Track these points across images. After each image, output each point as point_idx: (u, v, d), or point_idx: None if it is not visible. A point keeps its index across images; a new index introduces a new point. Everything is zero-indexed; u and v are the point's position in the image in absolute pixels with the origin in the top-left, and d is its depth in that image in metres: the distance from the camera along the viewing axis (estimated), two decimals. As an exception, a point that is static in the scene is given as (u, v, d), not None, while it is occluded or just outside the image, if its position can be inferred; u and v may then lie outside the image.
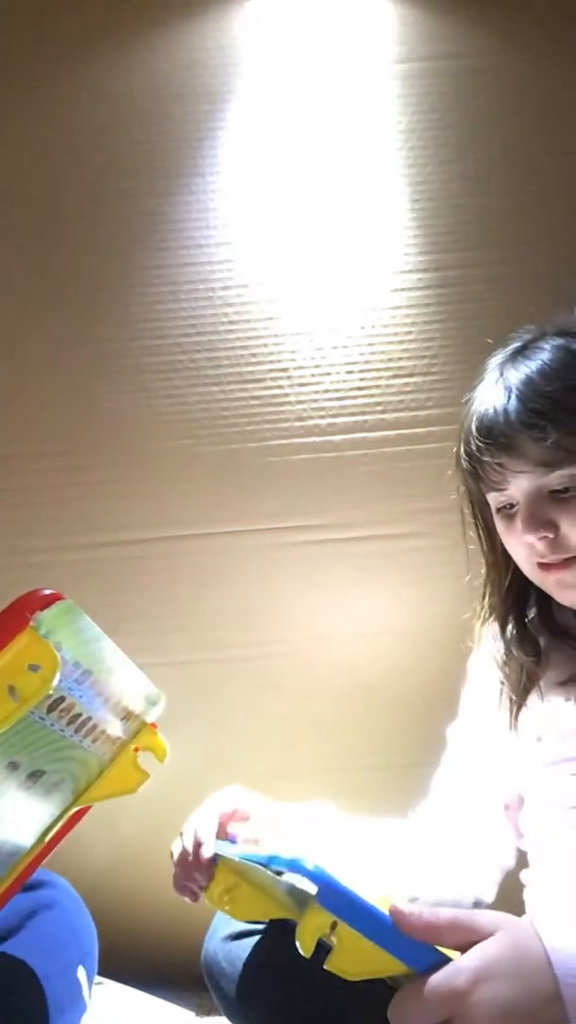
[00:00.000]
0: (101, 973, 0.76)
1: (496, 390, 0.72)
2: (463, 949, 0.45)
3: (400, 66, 1.01)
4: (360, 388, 1.06)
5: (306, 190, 1.04)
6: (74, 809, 0.64)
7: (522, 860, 0.77)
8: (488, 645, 0.81)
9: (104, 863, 1.10)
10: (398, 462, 1.05)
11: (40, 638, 0.54)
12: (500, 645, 0.79)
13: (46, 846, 0.64)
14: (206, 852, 0.65)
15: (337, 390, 1.06)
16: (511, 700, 0.77)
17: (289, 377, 1.06)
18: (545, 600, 0.76)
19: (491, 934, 0.45)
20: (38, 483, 1.09)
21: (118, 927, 0.86)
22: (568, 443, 0.66)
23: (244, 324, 1.06)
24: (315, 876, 0.45)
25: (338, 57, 1.02)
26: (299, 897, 0.50)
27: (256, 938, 0.74)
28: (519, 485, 0.70)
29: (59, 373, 1.08)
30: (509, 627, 0.80)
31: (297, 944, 0.45)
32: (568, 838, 0.71)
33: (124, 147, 1.05)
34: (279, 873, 0.49)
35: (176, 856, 0.69)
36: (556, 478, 0.68)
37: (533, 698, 0.76)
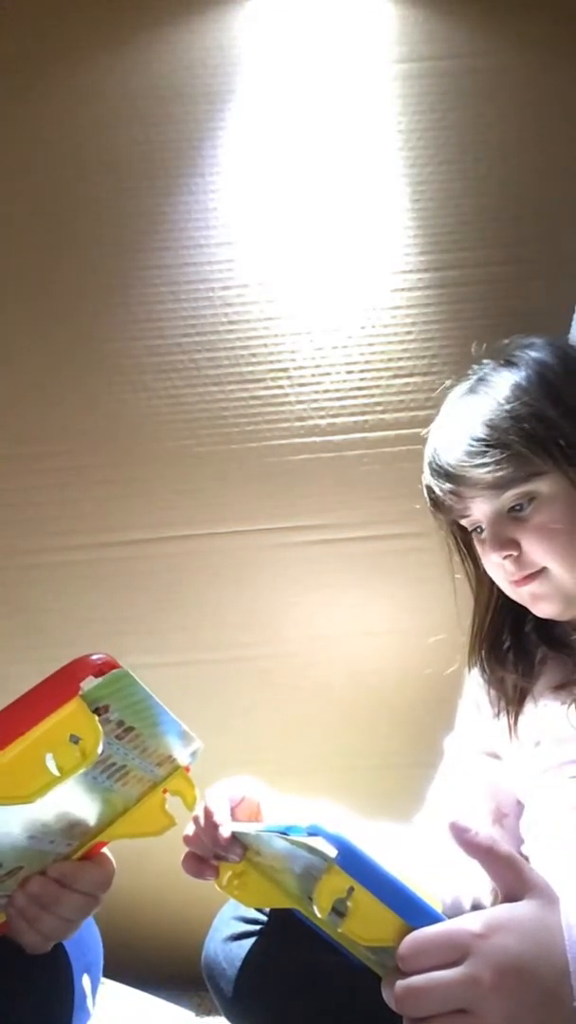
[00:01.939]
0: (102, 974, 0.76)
1: (444, 425, 0.77)
2: (499, 890, 0.46)
3: (400, 66, 1.01)
4: (360, 388, 1.06)
5: (306, 190, 1.04)
6: (92, 843, 0.64)
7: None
8: (484, 663, 0.83)
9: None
10: (398, 462, 1.05)
11: (86, 710, 0.53)
12: (493, 663, 0.82)
13: None
14: (224, 831, 0.65)
15: (337, 390, 1.06)
16: (507, 713, 0.78)
17: (289, 377, 1.06)
18: None
19: (529, 892, 0.46)
20: (38, 483, 1.09)
21: (118, 927, 0.86)
22: (512, 464, 0.69)
23: (244, 324, 1.06)
24: (335, 839, 0.46)
25: (338, 57, 1.02)
26: (309, 875, 0.51)
27: (259, 940, 0.74)
28: (479, 508, 0.74)
29: (59, 373, 1.08)
30: (504, 643, 0.82)
31: (314, 908, 0.46)
32: (569, 839, 0.71)
33: (124, 147, 1.05)
34: (296, 843, 0.50)
35: (192, 837, 0.68)
36: (509, 498, 0.71)
37: (529, 705, 0.77)
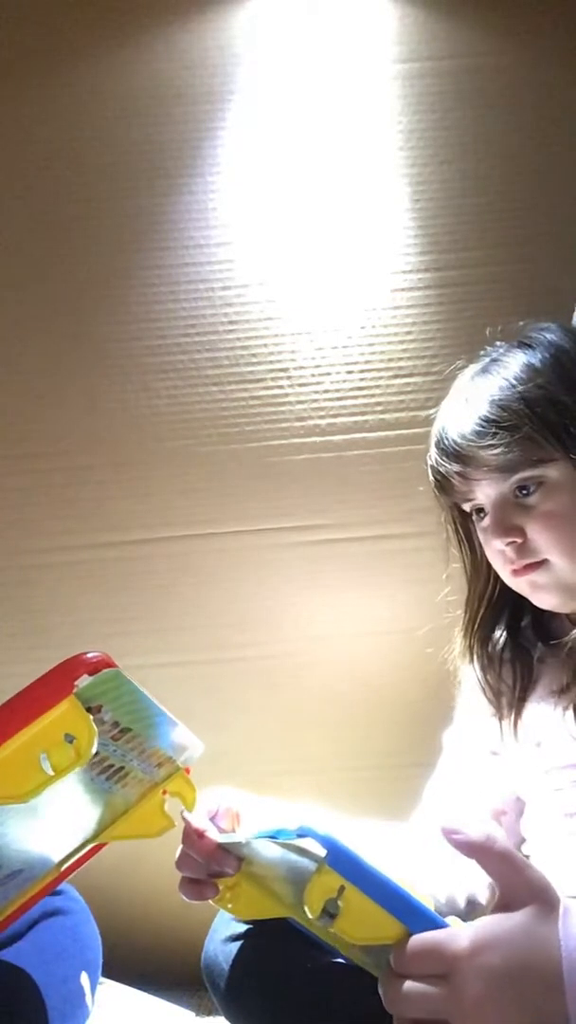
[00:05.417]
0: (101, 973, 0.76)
1: (454, 404, 0.75)
2: (498, 888, 0.46)
3: (400, 66, 1.01)
4: (360, 388, 1.06)
5: (306, 190, 1.04)
6: (92, 844, 0.64)
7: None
8: (476, 659, 0.82)
9: (104, 863, 1.10)
10: (398, 462, 1.05)
11: (80, 708, 0.52)
12: (486, 661, 0.80)
13: (60, 875, 0.64)
14: (210, 840, 0.64)
15: (337, 390, 1.06)
16: (506, 712, 0.77)
17: (289, 377, 1.06)
18: (539, 609, 0.77)
19: (528, 894, 0.45)
20: (38, 483, 1.09)
21: (118, 927, 0.86)
22: (522, 447, 0.68)
23: (244, 324, 1.06)
24: (325, 839, 0.46)
25: (338, 57, 1.02)
26: (299, 878, 0.51)
27: (251, 939, 0.73)
28: (484, 491, 0.72)
29: (59, 373, 1.08)
30: (499, 638, 0.81)
31: (305, 908, 0.46)
32: (567, 844, 0.70)
33: (124, 147, 1.05)
34: (285, 846, 0.49)
35: (181, 859, 0.65)
36: (516, 482, 0.70)
37: (529, 704, 0.77)
